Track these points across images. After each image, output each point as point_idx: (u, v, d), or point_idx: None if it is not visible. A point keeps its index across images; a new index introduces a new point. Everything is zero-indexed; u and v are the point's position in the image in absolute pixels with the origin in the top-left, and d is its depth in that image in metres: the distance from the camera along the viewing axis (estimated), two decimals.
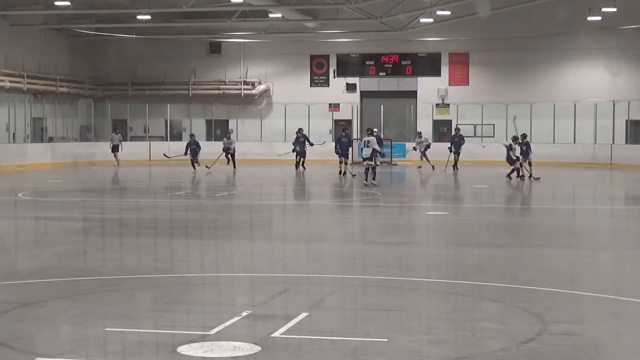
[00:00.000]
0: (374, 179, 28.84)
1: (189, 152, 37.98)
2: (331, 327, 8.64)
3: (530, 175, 31.94)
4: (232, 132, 41.31)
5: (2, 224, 18.63)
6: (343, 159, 34.22)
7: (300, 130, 38.33)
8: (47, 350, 7.71)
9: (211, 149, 48.29)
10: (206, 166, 37.67)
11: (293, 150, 37.90)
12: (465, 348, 7.91)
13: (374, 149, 28.82)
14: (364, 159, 29.02)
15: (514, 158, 32.10)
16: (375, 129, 42.57)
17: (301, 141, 37.73)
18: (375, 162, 29.00)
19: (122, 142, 43.58)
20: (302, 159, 37.67)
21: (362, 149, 29.41)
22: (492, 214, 21.21)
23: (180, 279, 11.49)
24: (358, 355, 7.66)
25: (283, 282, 11.24)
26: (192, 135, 40.10)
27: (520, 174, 31.89)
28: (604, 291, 10.64)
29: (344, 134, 35.47)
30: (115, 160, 42.22)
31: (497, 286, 10.87)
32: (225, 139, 40.52)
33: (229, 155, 39.44)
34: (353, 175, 32.23)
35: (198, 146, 38.22)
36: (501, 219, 19.77)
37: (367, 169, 28.82)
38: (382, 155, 33.85)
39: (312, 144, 37.76)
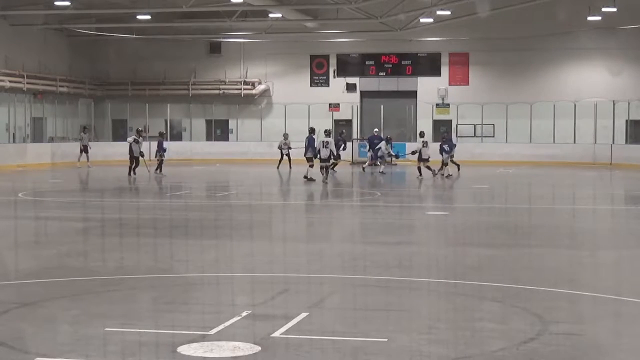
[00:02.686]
0: (326, 177, 30.09)
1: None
2: (331, 327, 8.64)
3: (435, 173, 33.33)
4: (142, 130, 36.56)
5: (2, 224, 18.62)
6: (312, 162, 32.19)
7: (328, 131, 35.46)
8: (47, 350, 7.71)
9: (211, 149, 48.41)
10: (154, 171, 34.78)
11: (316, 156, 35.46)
12: (466, 348, 7.91)
13: (331, 150, 30.32)
14: (322, 160, 30.17)
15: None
16: (375, 129, 42.70)
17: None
18: (331, 163, 30.80)
19: (90, 142, 42.27)
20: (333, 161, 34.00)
21: (320, 150, 30.32)
22: (492, 214, 21.20)
23: (180, 279, 11.49)
24: (358, 355, 7.65)
25: (283, 282, 11.24)
26: (162, 134, 37.69)
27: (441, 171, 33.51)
28: (604, 291, 10.64)
29: (314, 136, 33.22)
30: (78, 160, 41.24)
31: (497, 286, 10.87)
32: (134, 136, 35.36)
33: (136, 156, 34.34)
34: (312, 179, 30.45)
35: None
36: (501, 219, 19.76)
37: (323, 168, 30.14)
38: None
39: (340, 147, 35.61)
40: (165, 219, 19.72)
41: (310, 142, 32.72)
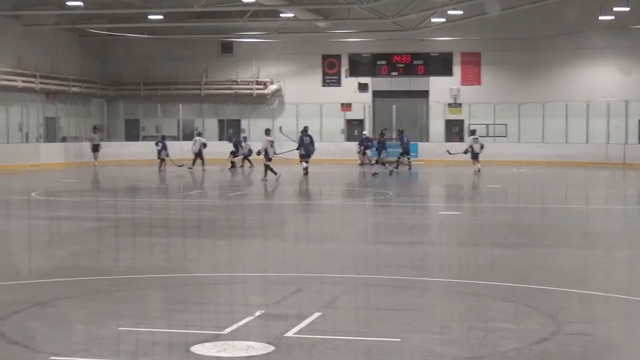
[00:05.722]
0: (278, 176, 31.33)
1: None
2: (344, 326, 8.64)
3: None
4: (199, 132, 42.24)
5: (15, 223, 18.68)
6: (306, 159, 33.80)
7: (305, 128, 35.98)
8: (60, 350, 7.73)
9: (223, 149, 48.45)
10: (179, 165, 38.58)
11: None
12: (478, 348, 7.90)
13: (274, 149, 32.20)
14: (270, 159, 31.55)
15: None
16: (365, 132, 43.16)
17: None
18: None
19: (101, 142, 43.31)
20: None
21: (268, 149, 31.49)
22: (505, 214, 21.17)
23: (193, 278, 11.51)
24: (371, 355, 7.65)
25: (296, 281, 11.24)
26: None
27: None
28: (617, 291, 10.62)
29: (307, 135, 34.64)
30: (95, 160, 42.12)
31: (510, 286, 10.85)
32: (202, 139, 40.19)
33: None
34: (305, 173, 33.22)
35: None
36: (513, 219, 19.72)
37: (268, 166, 31.54)
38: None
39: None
40: (177, 218, 19.75)
41: (303, 140, 34.36)
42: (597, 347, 8.01)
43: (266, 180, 30.68)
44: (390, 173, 35.19)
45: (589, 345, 8.05)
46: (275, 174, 31.08)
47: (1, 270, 12.06)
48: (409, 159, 39.16)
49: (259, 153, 32.59)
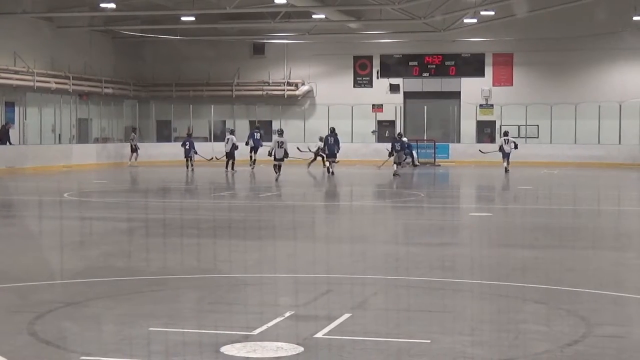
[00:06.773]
0: (278, 175, 31.74)
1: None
2: (374, 328, 8.63)
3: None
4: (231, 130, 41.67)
5: (48, 224, 18.81)
6: (331, 159, 34.96)
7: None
8: (91, 350, 7.77)
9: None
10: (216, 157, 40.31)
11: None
12: (509, 350, 7.87)
13: (285, 150, 32.49)
14: (277, 159, 32.17)
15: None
16: (398, 132, 43.18)
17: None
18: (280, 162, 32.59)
19: (139, 143, 44.14)
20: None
21: (275, 149, 32.28)
22: (536, 215, 21.07)
23: (223, 279, 11.53)
24: (401, 356, 7.64)
25: (326, 282, 11.24)
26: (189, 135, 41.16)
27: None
28: None
29: (331, 135, 35.71)
30: (129, 160, 42.77)
31: (541, 288, 10.80)
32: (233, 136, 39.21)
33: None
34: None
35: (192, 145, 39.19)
36: (545, 220, 19.62)
37: (276, 166, 32.19)
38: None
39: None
40: (208, 219, 19.79)
41: (327, 140, 35.10)
42: (629, 350, 7.95)
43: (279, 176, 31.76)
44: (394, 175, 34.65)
45: (621, 348, 7.99)
46: (276, 173, 32.08)
47: (34, 270, 12.14)
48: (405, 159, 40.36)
49: (269, 154, 32.84)
